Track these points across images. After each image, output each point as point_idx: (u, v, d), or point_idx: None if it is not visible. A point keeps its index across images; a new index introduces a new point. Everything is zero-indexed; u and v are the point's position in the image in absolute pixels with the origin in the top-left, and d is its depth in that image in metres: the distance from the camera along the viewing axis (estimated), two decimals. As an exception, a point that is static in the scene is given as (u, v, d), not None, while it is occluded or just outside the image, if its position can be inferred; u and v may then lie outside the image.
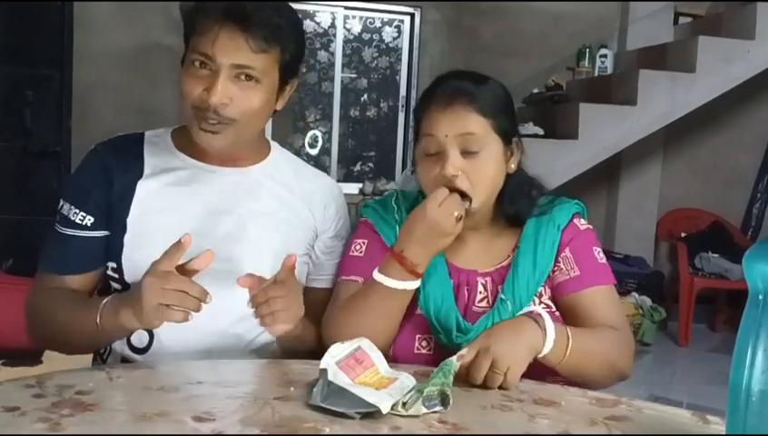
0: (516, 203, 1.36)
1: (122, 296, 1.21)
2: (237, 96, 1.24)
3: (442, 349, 1.30)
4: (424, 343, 1.34)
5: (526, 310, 1.23)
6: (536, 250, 1.35)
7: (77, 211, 1.32)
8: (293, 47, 1.30)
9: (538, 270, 1.34)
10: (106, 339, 1.28)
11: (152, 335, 1.30)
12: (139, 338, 1.31)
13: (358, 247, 1.40)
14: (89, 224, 1.32)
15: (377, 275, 1.25)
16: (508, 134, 1.33)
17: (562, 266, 1.35)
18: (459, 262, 1.37)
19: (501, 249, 1.39)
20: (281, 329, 1.20)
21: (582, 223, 1.40)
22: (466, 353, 1.12)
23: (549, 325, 1.17)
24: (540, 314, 1.18)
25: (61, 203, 1.35)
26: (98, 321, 1.19)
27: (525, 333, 1.16)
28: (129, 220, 1.31)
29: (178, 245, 1.12)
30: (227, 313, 1.30)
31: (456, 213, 1.22)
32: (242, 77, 1.25)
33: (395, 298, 1.26)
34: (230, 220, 1.33)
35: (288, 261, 1.19)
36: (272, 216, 1.37)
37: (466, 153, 1.28)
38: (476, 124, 1.28)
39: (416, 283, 1.26)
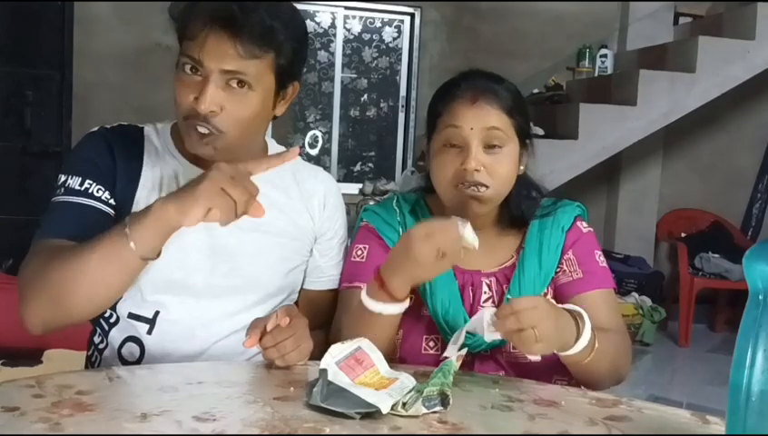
0: (523, 205, 1.37)
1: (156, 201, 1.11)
2: (228, 104, 1.19)
3: None
4: (431, 344, 1.35)
5: (569, 306, 1.18)
6: (542, 251, 1.35)
7: (99, 186, 1.23)
8: (290, 50, 1.22)
9: (543, 271, 1.35)
10: (134, 260, 1.10)
11: (143, 349, 1.28)
12: (130, 351, 1.28)
13: (359, 252, 1.38)
14: (112, 203, 1.24)
15: (363, 296, 1.20)
16: (524, 135, 1.34)
17: (565, 268, 1.36)
18: (463, 262, 1.36)
19: (504, 250, 1.39)
20: (293, 364, 1.18)
21: (584, 226, 1.41)
22: (511, 304, 1.09)
23: (587, 331, 1.15)
24: (582, 315, 1.16)
25: (63, 177, 1.24)
26: (126, 230, 1.08)
27: (563, 328, 1.13)
28: None
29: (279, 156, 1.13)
30: (223, 326, 1.30)
31: (440, 249, 1.12)
32: (234, 84, 1.18)
33: (380, 319, 1.20)
34: (227, 234, 1.26)
35: (286, 313, 1.16)
36: (270, 227, 1.33)
37: (488, 148, 1.28)
38: (500, 121, 1.29)
39: (398, 307, 1.19)
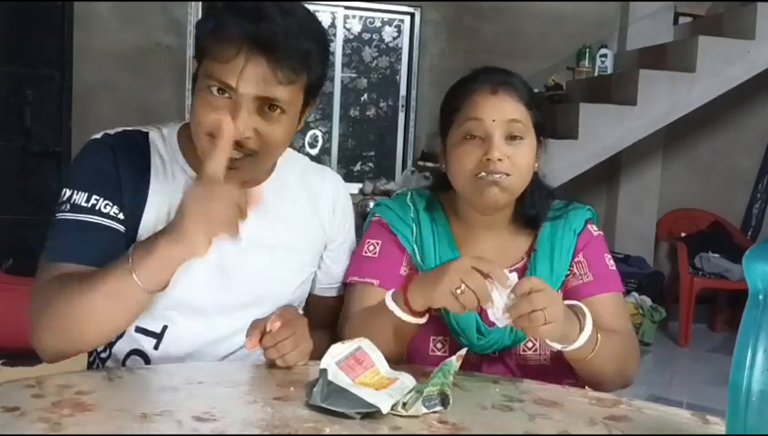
0: (537, 205, 1.37)
1: (152, 235, 1.10)
2: (261, 127, 1.14)
3: (458, 350, 1.29)
4: (439, 345, 1.35)
5: (571, 302, 1.20)
6: (553, 253, 1.35)
7: (107, 202, 1.17)
8: (320, 70, 1.20)
9: (555, 273, 1.34)
10: (141, 295, 1.09)
11: (148, 363, 1.26)
12: (134, 364, 1.26)
13: (371, 247, 1.37)
14: (121, 218, 1.18)
15: (388, 300, 1.21)
16: (541, 129, 1.34)
17: (576, 271, 1.36)
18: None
19: (516, 251, 1.39)
20: (292, 364, 1.18)
21: (594, 229, 1.41)
22: (516, 285, 1.12)
23: (588, 325, 1.17)
24: (584, 312, 1.18)
25: (68, 192, 1.18)
26: (130, 265, 1.06)
27: (568, 318, 1.15)
28: None
29: None
30: (231, 343, 1.28)
31: (464, 288, 1.12)
32: (266, 108, 1.14)
33: (397, 324, 1.21)
34: (236, 252, 1.23)
35: (284, 315, 1.17)
36: (280, 242, 1.31)
37: (510, 140, 1.28)
38: (520, 112, 1.30)
39: (415, 320, 1.20)
